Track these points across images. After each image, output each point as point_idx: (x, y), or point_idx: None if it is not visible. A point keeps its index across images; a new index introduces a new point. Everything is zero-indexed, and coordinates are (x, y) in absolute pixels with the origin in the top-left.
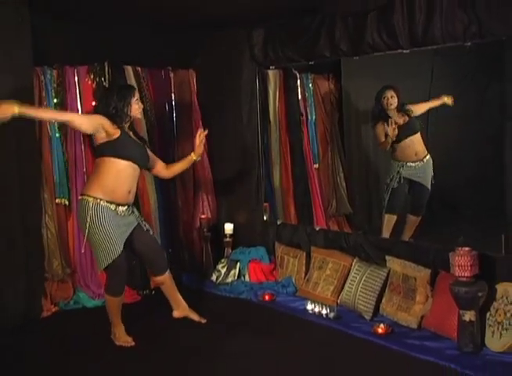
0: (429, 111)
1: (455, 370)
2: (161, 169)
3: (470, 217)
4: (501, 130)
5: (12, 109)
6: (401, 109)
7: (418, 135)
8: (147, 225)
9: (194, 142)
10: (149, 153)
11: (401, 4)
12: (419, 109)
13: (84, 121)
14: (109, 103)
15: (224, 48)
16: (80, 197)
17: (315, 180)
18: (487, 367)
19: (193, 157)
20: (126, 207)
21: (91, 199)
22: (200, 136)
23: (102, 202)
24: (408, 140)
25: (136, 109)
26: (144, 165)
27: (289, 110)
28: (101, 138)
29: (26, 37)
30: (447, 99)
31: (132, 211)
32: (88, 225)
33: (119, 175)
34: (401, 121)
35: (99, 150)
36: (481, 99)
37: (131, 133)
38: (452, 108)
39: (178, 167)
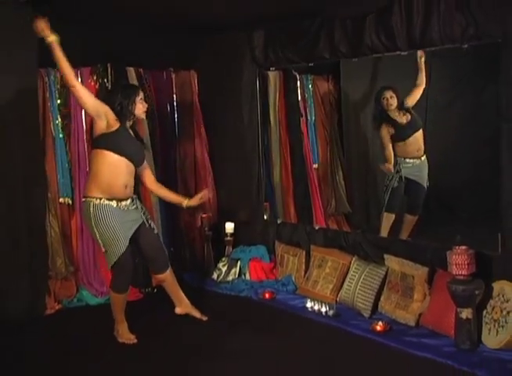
0: (426, 112)
1: (452, 367)
2: (147, 179)
3: (467, 218)
4: (497, 132)
5: (49, 36)
6: (401, 107)
7: (421, 132)
8: (152, 224)
9: (197, 193)
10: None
11: (399, 6)
12: (414, 98)
13: (91, 99)
14: (114, 101)
15: (225, 50)
16: (82, 200)
17: (315, 180)
18: (484, 364)
19: (184, 203)
20: (128, 201)
21: (92, 200)
22: (203, 195)
23: (102, 201)
24: (412, 138)
25: (140, 108)
26: (138, 164)
27: (289, 110)
28: (100, 128)
29: (30, 38)
30: (420, 58)
31: (137, 207)
32: (94, 226)
33: (112, 170)
34: (403, 119)
35: (96, 142)
36: (477, 101)
37: (130, 131)
38: (450, 109)
39: (167, 193)
